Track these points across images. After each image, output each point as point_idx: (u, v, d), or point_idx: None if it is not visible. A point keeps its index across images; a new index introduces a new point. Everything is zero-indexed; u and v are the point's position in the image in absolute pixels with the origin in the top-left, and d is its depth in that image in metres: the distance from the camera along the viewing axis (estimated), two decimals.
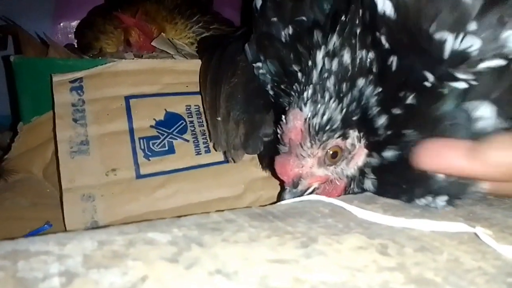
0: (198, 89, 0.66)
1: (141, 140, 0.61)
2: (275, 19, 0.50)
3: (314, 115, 0.43)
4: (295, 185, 0.46)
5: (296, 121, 0.44)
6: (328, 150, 0.44)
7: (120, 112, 0.62)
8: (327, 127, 0.43)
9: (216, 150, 0.61)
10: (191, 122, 0.65)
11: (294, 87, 0.47)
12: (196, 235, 0.31)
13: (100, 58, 0.74)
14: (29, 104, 0.69)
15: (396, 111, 0.39)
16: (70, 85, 0.62)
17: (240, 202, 0.60)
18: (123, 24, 0.79)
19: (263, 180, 0.62)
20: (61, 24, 1.15)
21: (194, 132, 0.64)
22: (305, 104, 0.44)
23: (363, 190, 0.45)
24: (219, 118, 0.58)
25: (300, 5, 0.49)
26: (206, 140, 0.64)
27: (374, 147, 0.43)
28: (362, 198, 0.42)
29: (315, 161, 0.45)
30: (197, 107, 0.66)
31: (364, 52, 0.42)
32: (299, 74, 0.46)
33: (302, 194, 0.46)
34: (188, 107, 0.66)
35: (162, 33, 0.76)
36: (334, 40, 0.44)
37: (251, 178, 0.62)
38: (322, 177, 0.46)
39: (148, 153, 0.61)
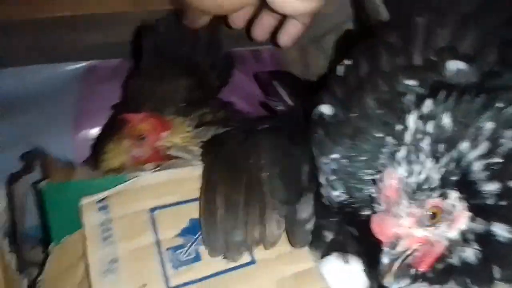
0: None
1: (168, 251, 0.62)
2: None
3: (410, 174, 0.42)
4: (393, 246, 0.44)
5: (391, 180, 0.43)
6: (427, 210, 0.43)
7: (146, 225, 0.64)
8: (425, 186, 0.42)
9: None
10: None
11: (383, 150, 0.46)
12: None
13: (121, 174, 0.77)
14: (59, 226, 0.71)
15: None
16: (96, 206, 0.65)
17: None
18: (129, 124, 0.79)
19: (295, 277, 0.62)
20: (80, 133, 1.17)
21: None
22: (400, 164, 0.43)
23: (462, 261, 0.42)
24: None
25: None
26: None
27: (479, 211, 0.42)
28: None
29: (414, 221, 0.44)
30: None
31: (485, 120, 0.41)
32: (388, 138, 0.46)
33: (401, 256, 0.44)
34: None
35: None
36: (429, 105, 0.43)
37: (281, 277, 0.62)
38: (422, 238, 0.44)
39: (176, 263, 0.62)
